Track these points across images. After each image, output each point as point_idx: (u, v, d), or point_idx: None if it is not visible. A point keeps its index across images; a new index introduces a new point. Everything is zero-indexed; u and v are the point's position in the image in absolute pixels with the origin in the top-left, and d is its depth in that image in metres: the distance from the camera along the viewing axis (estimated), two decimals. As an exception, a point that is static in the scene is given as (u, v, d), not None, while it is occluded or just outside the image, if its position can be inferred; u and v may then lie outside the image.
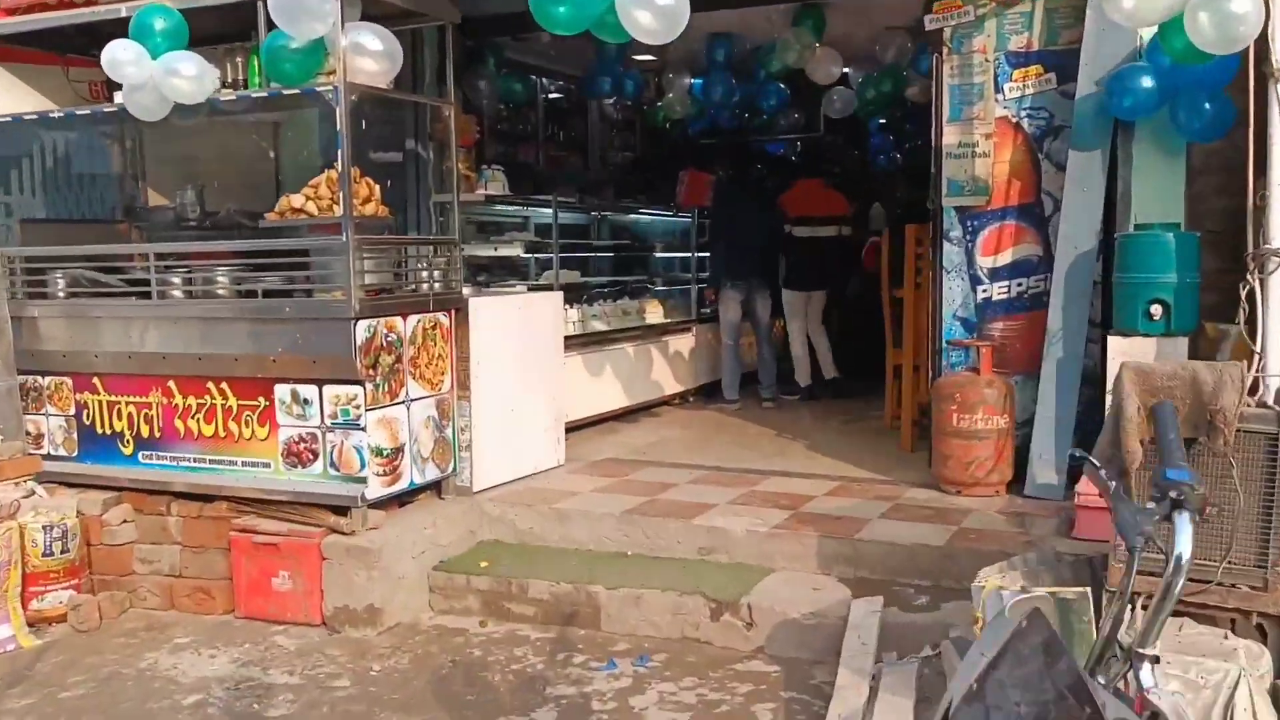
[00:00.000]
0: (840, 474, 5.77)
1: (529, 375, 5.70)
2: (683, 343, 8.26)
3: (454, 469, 5.25)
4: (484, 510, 5.23)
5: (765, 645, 4.23)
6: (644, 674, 4.10)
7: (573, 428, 6.62)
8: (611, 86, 8.53)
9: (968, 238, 5.42)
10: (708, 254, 8.40)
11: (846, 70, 8.54)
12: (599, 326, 7.31)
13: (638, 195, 9.13)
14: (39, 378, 5.36)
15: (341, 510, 4.70)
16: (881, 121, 10.62)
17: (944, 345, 5.49)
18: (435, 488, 5.25)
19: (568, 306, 6.91)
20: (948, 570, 4.38)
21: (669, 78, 9.10)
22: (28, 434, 5.37)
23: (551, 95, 9.95)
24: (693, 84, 9.25)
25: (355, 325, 4.56)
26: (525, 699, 3.92)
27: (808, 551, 4.60)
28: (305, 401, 4.73)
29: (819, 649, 4.14)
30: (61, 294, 5.26)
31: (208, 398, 4.94)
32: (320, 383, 4.70)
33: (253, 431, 4.86)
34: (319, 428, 4.73)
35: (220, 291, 4.93)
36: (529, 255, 7.32)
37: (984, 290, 5.42)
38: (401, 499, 5.04)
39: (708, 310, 8.75)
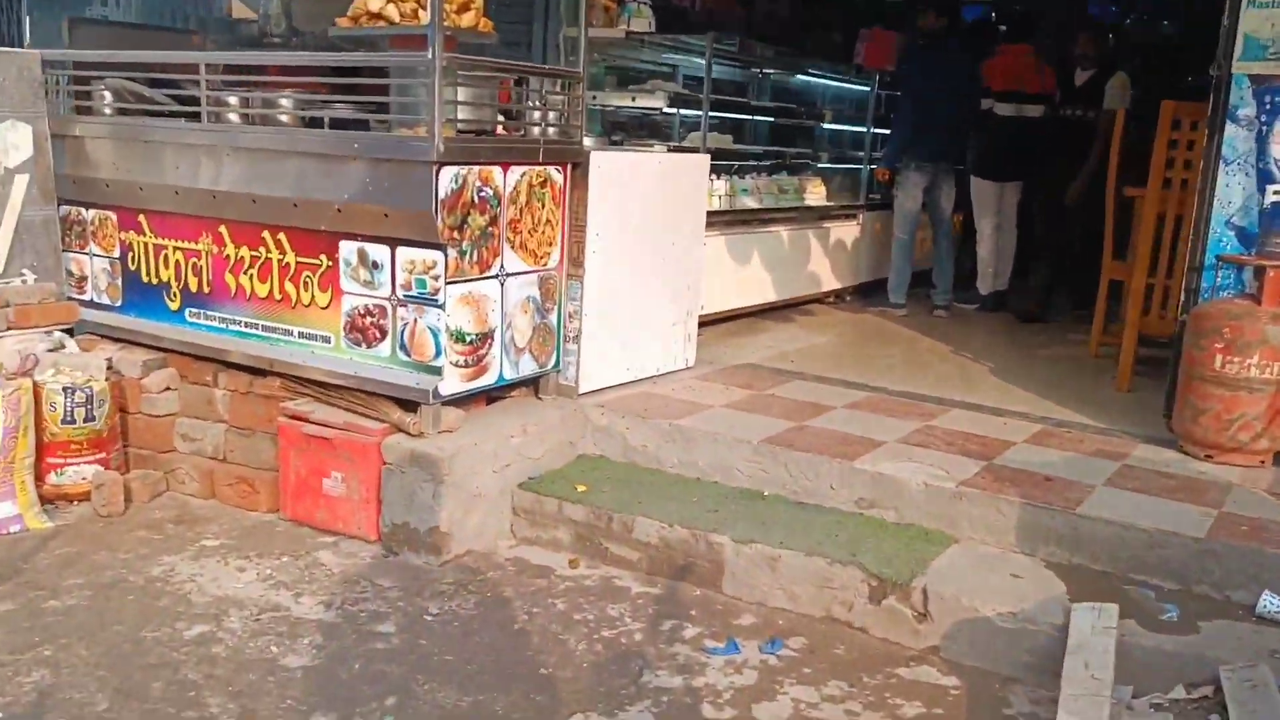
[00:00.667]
0: (1042, 414, 4.53)
1: (659, 255, 4.60)
2: (846, 231, 7.00)
3: (556, 364, 4.23)
4: (589, 418, 4.22)
5: (942, 646, 3.13)
6: (775, 667, 3.06)
7: (707, 322, 5.53)
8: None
9: (1263, 119, 4.00)
10: (887, 129, 7.03)
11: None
12: (750, 204, 6.12)
13: (809, 52, 7.73)
14: (83, 210, 4.52)
15: (411, 406, 3.74)
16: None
17: (1210, 262, 4.13)
18: (532, 385, 4.26)
19: (714, 177, 5.75)
20: (1207, 572, 3.17)
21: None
22: (69, 274, 4.57)
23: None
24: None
25: (438, 172, 3.51)
26: (614, 685, 2.93)
27: (1006, 522, 3.44)
28: (375, 265, 3.74)
29: (1019, 663, 3.02)
30: (107, 110, 4.36)
31: (263, 250, 4.00)
32: (394, 243, 3.70)
33: (312, 297, 3.92)
34: (389, 299, 3.75)
35: (282, 118, 3.93)
36: (673, 110, 6.12)
37: (1277, 191, 4.02)
38: (489, 396, 4.06)
39: (877, 196, 7.43)
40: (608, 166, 4.22)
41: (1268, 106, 3.99)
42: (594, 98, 5.88)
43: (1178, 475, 3.77)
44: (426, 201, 3.52)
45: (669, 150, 5.54)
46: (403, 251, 3.68)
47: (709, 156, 4.97)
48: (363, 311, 3.81)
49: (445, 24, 3.53)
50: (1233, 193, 4.07)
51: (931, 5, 6.68)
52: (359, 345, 3.84)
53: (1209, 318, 3.90)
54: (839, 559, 3.31)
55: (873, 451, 3.84)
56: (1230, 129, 4.05)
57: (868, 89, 7.28)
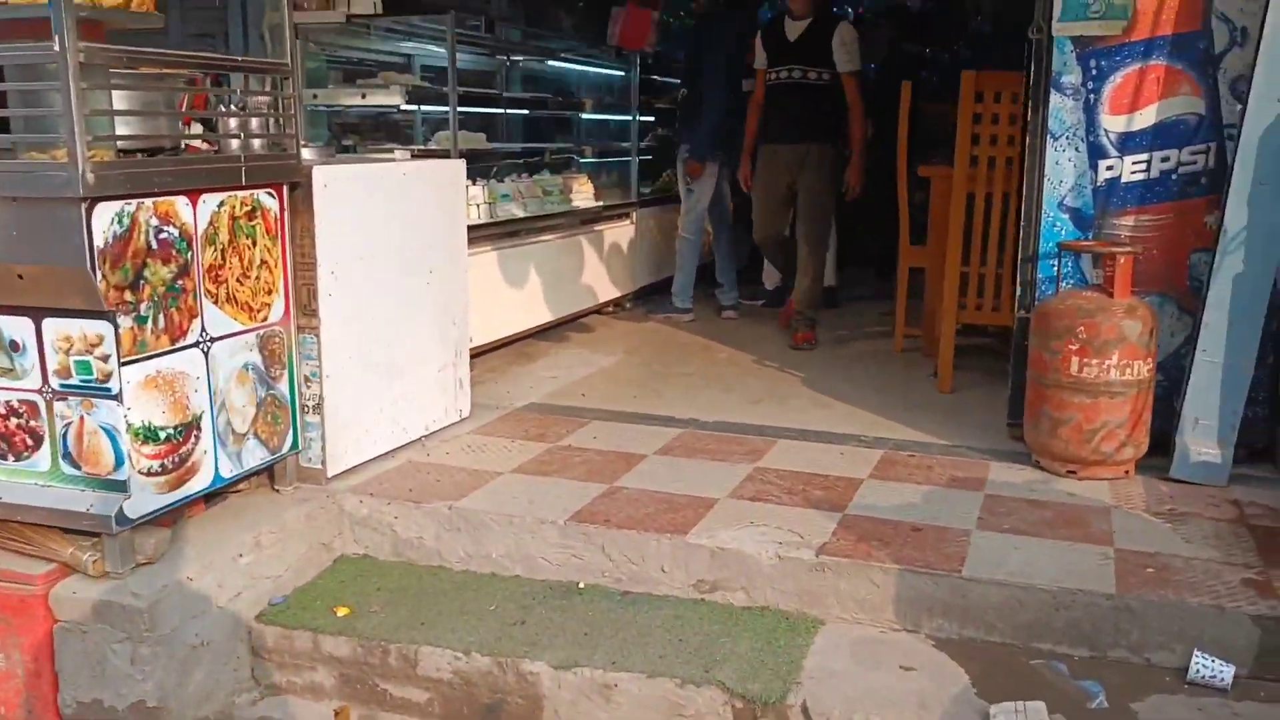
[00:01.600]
0: (875, 433, 3.97)
1: (416, 287, 3.71)
2: (620, 233, 6.30)
3: (295, 444, 3.27)
4: (344, 509, 3.29)
5: (835, 781, 2.46)
6: None
7: (478, 353, 4.69)
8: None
9: (1090, 86, 3.56)
10: (678, 115, 6.30)
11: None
12: (514, 212, 5.29)
13: (563, 33, 6.96)
14: None
15: (90, 535, 2.70)
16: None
17: (1048, 250, 3.66)
18: (266, 475, 3.28)
19: (470, 183, 4.89)
20: (1123, 634, 2.64)
21: None
22: None
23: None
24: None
25: (91, 211, 2.49)
26: None
27: (882, 595, 2.80)
28: (13, 346, 2.67)
29: (933, 792, 2.38)
30: None
31: None
32: (38, 314, 2.64)
33: (-72, 394, 2.79)
34: (39, 392, 2.68)
35: None
36: (413, 108, 5.20)
37: (1110, 167, 3.59)
38: (207, 498, 3.06)
39: (649, 192, 6.79)
40: (337, 183, 3.29)
41: (1094, 72, 3.55)
42: (314, 97, 4.88)
43: (1049, 502, 3.26)
44: (78, 253, 2.49)
45: (414, 156, 4.64)
46: (52, 325, 2.63)
47: (463, 161, 4.11)
48: (3, 412, 2.72)
49: (82, 2, 2.50)
50: (1063, 171, 3.62)
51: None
52: (3, 459, 2.76)
53: (1059, 316, 3.42)
54: (691, 677, 2.56)
55: (706, 517, 3.12)
56: (1055, 99, 3.59)
57: (624, 71, 6.56)
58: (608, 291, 6.17)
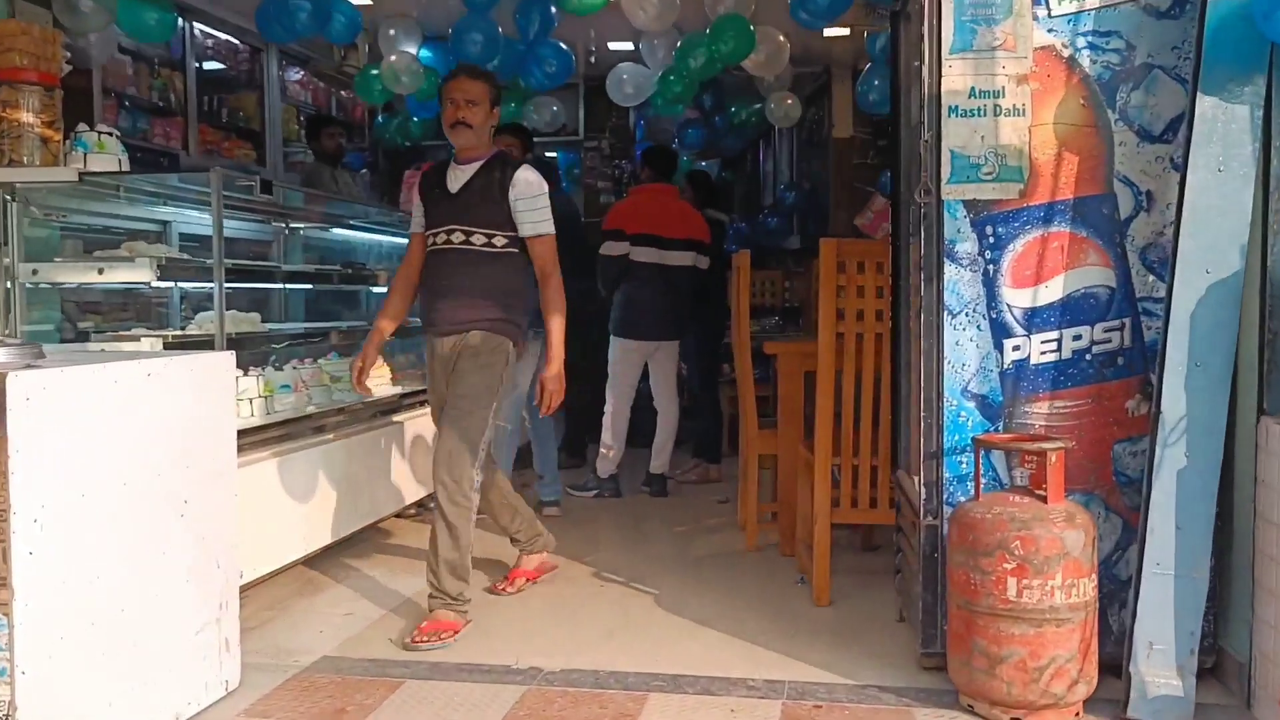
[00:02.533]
0: (767, 673, 3.23)
1: (163, 526, 2.75)
2: (424, 423, 5.42)
3: (-34, 782, 2.21)
4: None
5: None
6: None
7: (251, 585, 3.69)
8: (304, 24, 5.53)
9: (987, 255, 3.10)
10: None
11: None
12: (297, 407, 4.36)
13: (350, 197, 6.18)
14: None
15: None
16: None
17: (955, 444, 3.11)
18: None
19: (241, 373, 3.98)
20: None
21: (386, 33, 6.33)
22: None
23: (209, 49, 6.80)
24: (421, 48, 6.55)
25: None
26: None
27: None
28: None
29: None
30: None
31: None
32: None
33: None
34: None
35: None
36: (167, 284, 4.25)
37: (1017, 347, 3.10)
38: None
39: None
40: (47, 395, 2.35)
41: (991, 240, 3.09)
42: (34, 273, 3.88)
43: (1007, 770, 2.60)
44: None
45: (168, 344, 3.71)
46: None
47: (231, 354, 3.21)
48: None
49: None
50: (965, 353, 3.11)
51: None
52: None
53: (988, 528, 2.82)
54: None
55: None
56: (951, 270, 3.10)
57: None
58: (412, 491, 5.25)
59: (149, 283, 4.08)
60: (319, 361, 4.96)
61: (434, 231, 3.87)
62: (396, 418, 5.17)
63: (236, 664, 3.11)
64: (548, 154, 8.48)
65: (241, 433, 3.73)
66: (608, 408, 5.89)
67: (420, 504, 5.47)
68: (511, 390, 5.22)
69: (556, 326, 3.83)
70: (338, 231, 5.71)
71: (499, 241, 3.79)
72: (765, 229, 9.02)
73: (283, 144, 7.22)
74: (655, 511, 5.65)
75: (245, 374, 4.22)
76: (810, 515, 4.38)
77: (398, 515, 5.29)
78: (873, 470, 3.99)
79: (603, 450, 5.91)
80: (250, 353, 4.38)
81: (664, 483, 6.04)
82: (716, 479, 6.45)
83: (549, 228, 3.83)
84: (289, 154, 7.33)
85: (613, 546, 4.87)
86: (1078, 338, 3.09)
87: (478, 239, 3.78)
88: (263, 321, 4.53)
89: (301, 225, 5.53)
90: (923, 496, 3.17)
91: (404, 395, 5.27)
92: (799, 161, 9.20)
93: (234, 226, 4.75)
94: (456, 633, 3.57)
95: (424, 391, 5.44)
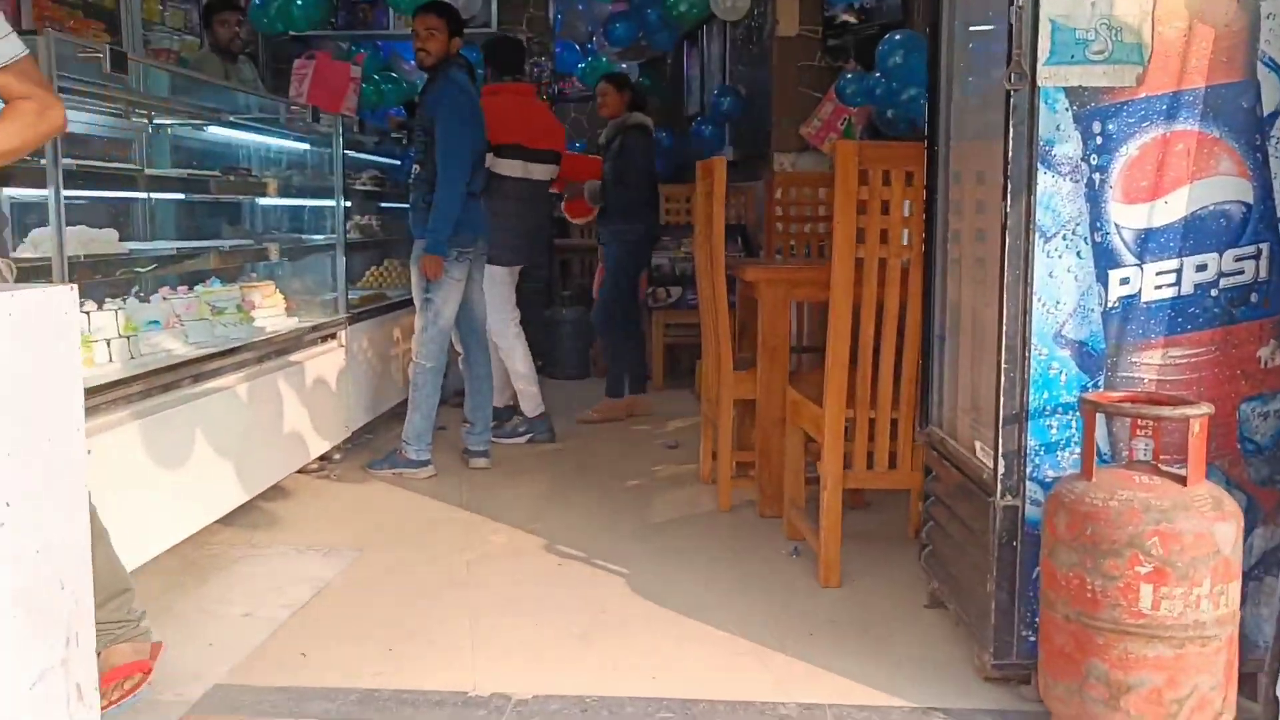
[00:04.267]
0: (793, 692, 2.54)
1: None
2: (327, 363, 4.55)
3: None
4: None
5: None
6: None
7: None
8: None
9: (1093, 161, 2.38)
10: (410, 198, 4.61)
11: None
12: (170, 349, 3.45)
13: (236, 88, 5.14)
14: None
15: None
16: None
17: (1047, 404, 2.42)
18: None
19: (90, 308, 3.07)
20: None
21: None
22: None
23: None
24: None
25: None
26: None
27: None
28: None
29: None
30: None
31: None
32: None
33: None
34: None
35: None
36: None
37: (1126, 279, 2.42)
38: None
39: (360, 300, 5.10)
40: None
41: (1099, 140, 2.38)
42: None
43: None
44: None
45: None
46: None
47: (73, 288, 2.29)
48: None
49: None
50: (1061, 287, 2.41)
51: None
52: None
53: (1114, 519, 2.15)
54: None
55: None
56: (1046, 180, 2.38)
57: (328, 140, 4.83)
58: (315, 445, 4.39)
59: (-39, 189, 3.08)
60: (196, 289, 4.04)
61: None
62: (294, 357, 4.27)
63: (95, 708, 2.27)
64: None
65: (95, 389, 2.83)
66: (504, 342, 5.08)
67: (325, 457, 4.61)
68: (435, 320, 4.40)
69: None
70: (216, 131, 4.69)
71: None
72: (697, 139, 8.19)
73: (142, 27, 6.07)
74: (597, 461, 4.91)
75: (100, 309, 3.30)
76: (800, 471, 3.73)
77: (300, 470, 4.42)
78: (892, 424, 3.31)
79: (521, 387, 5.12)
80: (105, 281, 3.43)
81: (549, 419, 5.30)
82: (613, 417, 5.76)
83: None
84: (149, 40, 6.18)
85: (560, 511, 4.12)
86: (1202, 268, 2.41)
87: None
88: (121, 240, 3.56)
89: (170, 121, 4.51)
90: (1000, 470, 2.48)
91: (304, 330, 4.37)
92: (733, 65, 8.35)
93: (81, 120, 3.73)
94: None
95: (326, 324, 4.58)
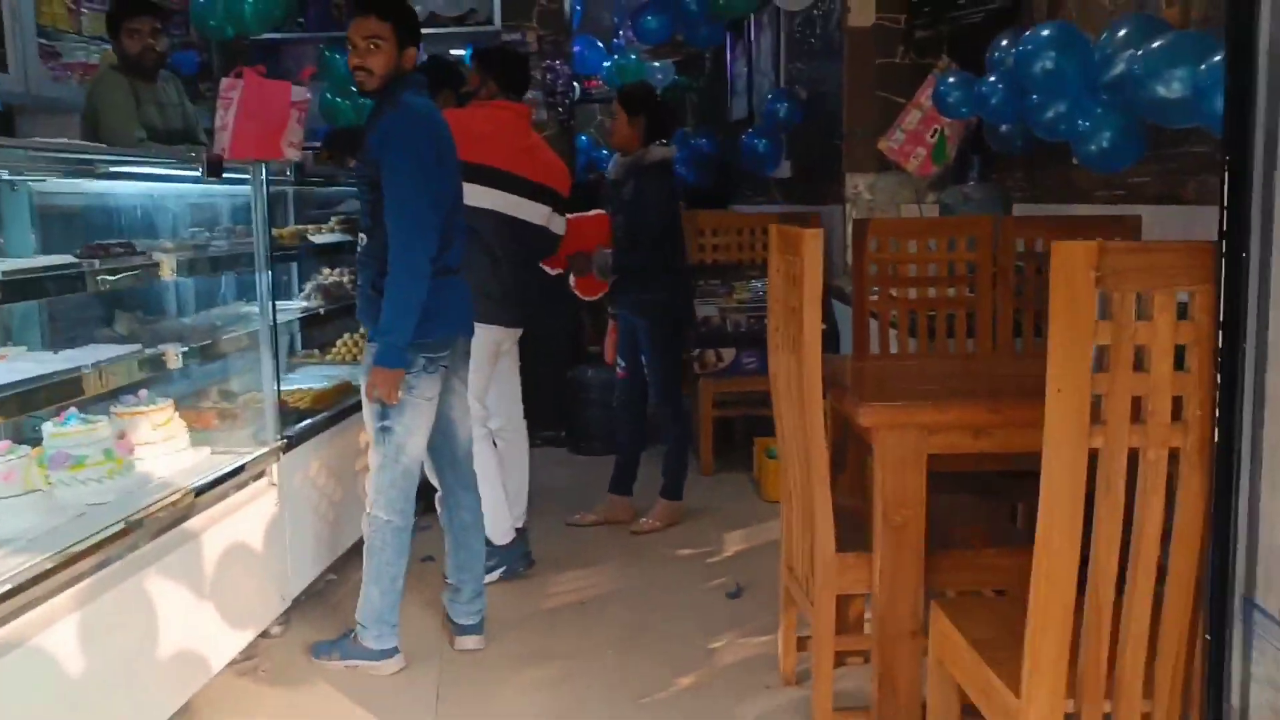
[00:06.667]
0: None
1: None
2: (251, 517, 3.21)
3: None
4: None
5: None
6: None
7: None
8: None
9: None
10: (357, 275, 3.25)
11: None
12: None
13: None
14: None
15: None
16: None
17: None
18: None
19: None
20: None
21: None
22: None
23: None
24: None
25: None
26: None
27: None
28: None
29: None
30: None
31: None
32: None
33: None
34: None
35: None
36: None
37: None
38: None
39: (306, 403, 3.78)
40: None
41: None
42: None
43: None
44: None
45: None
46: None
47: None
48: None
49: None
50: None
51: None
52: None
53: None
54: None
55: None
56: None
57: (245, 186, 3.42)
58: (234, 639, 3.07)
59: None
60: (45, 437, 2.75)
61: None
62: (195, 522, 2.95)
63: None
64: (452, 51, 6.12)
65: None
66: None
67: (262, 635, 3.31)
68: (398, 456, 3.10)
69: None
70: (96, 184, 3.37)
71: None
72: (748, 153, 6.80)
73: (47, 36, 4.76)
74: (629, 625, 3.57)
75: None
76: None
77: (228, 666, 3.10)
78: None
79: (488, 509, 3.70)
80: None
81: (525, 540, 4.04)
82: (673, 522, 4.54)
83: None
84: (58, 52, 4.87)
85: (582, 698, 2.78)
86: None
87: None
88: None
89: (28, 176, 3.19)
90: None
91: (215, 480, 3.04)
92: (789, 62, 6.95)
93: None
94: None
95: (251, 454, 3.27)
